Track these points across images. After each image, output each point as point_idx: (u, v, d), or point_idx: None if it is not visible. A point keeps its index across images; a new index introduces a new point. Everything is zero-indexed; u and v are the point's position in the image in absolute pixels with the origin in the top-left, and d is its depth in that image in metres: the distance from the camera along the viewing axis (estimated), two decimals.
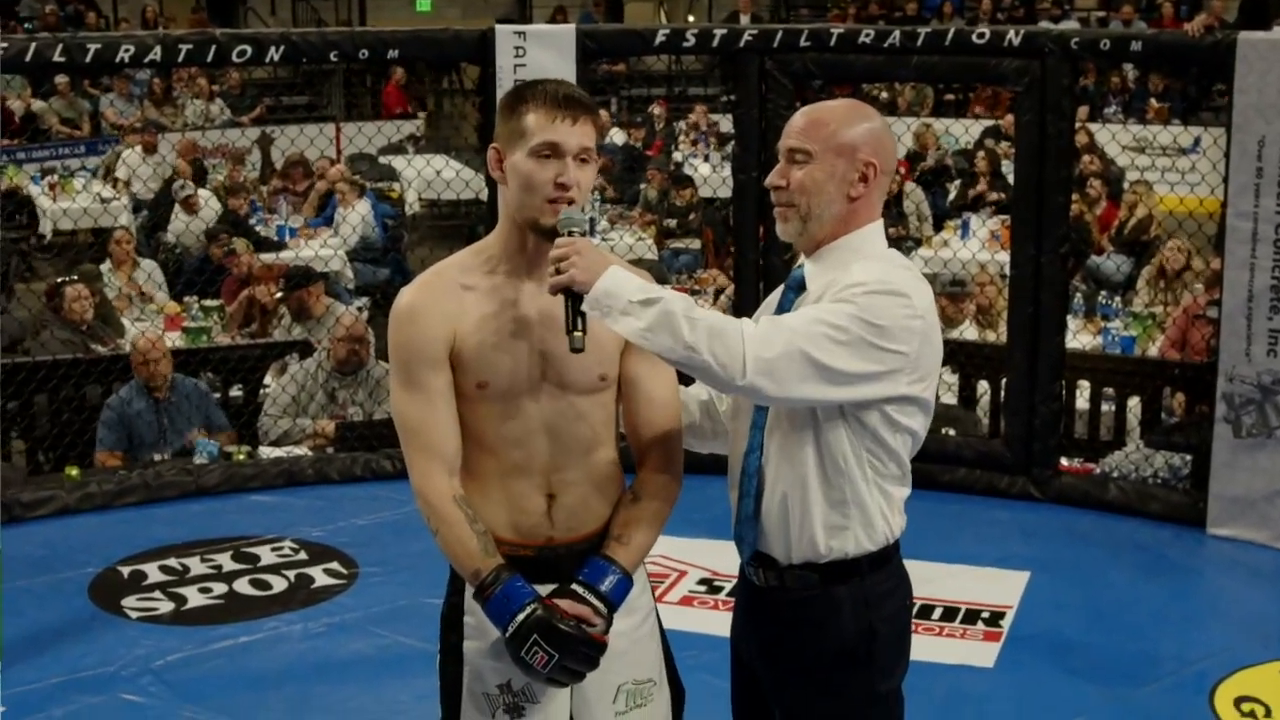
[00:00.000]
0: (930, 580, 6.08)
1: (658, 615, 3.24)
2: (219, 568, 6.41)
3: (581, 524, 3.08)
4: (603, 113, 16.73)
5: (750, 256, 7.31)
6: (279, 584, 6.26)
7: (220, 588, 6.21)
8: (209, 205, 12.30)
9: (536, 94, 2.99)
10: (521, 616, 2.91)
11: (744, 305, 7.13)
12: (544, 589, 2.99)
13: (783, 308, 3.09)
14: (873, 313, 2.89)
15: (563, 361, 3.00)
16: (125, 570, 6.37)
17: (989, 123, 16.13)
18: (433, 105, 19.11)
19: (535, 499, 3.05)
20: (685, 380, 3.06)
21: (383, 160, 15.64)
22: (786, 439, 3.02)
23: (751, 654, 3.21)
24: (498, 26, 7.28)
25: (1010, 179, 9.40)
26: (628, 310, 2.82)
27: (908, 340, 2.93)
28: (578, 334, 2.86)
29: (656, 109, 17.82)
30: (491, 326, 3.01)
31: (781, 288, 3.19)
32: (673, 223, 13.01)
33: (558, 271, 2.84)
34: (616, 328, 2.84)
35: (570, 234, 2.90)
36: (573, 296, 2.85)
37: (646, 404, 3.13)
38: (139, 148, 14.64)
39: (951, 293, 8.76)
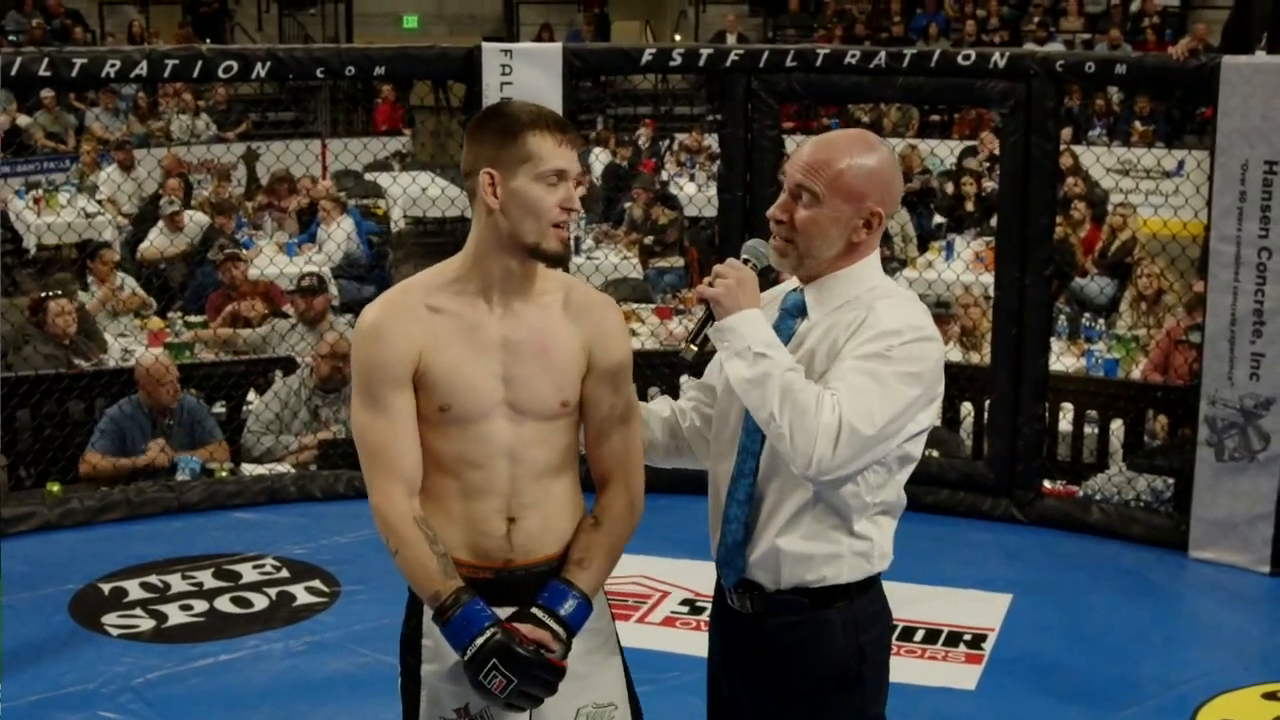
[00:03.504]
0: (912, 602, 6.07)
1: (618, 639, 3.24)
2: (200, 585, 6.39)
3: (541, 547, 3.08)
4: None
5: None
6: (260, 602, 6.24)
7: (201, 605, 6.19)
8: (193, 222, 12.26)
9: (534, 120, 2.98)
10: (480, 640, 2.91)
11: None
12: (502, 612, 2.99)
13: (780, 333, 3.06)
14: (911, 363, 2.93)
15: (525, 387, 3.01)
16: (106, 587, 6.35)
17: (971, 143, 16.17)
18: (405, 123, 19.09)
19: (495, 522, 3.05)
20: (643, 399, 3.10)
21: (368, 177, 15.63)
22: (785, 468, 3.00)
23: (735, 687, 3.19)
24: (484, 45, 7.29)
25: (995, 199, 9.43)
26: (742, 354, 2.91)
27: (931, 378, 2.98)
28: (692, 347, 3.00)
29: (643, 130, 17.83)
30: (456, 350, 3.01)
31: (774, 305, 3.16)
32: (650, 240, 13.00)
33: (712, 284, 2.95)
34: (725, 364, 2.94)
35: (746, 261, 3.02)
36: (709, 313, 2.95)
37: (608, 430, 3.14)
38: (118, 164, 14.63)
39: (936, 314, 8.73)
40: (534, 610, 3.00)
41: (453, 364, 3.00)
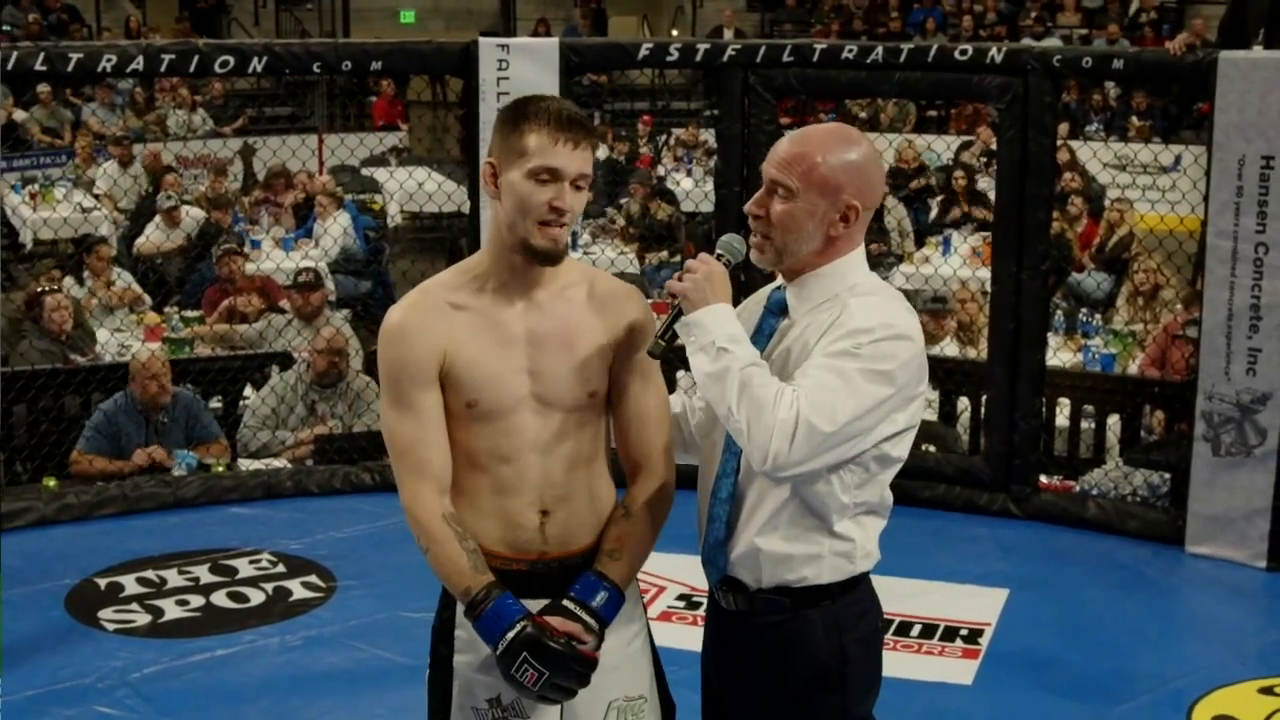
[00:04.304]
0: (909, 597, 6.09)
1: (649, 631, 3.24)
2: (196, 580, 6.39)
3: (574, 539, 3.08)
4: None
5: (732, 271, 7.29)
6: (256, 597, 6.24)
7: (197, 600, 6.19)
8: (189, 217, 12.24)
9: (539, 114, 2.96)
10: (511, 634, 2.92)
11: None
12: (536, 603, 3.00)
13: (762, 331, 3.08)
14: (880, 361, 2.89)
15: (551, 379, 3.02)
16: (102, 582, 6.35)
17: (968, 138, 16.17)
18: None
19: (528, 515, 3.05)
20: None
21: (365, 172, 15.62)
22: None
23: (723, 682, 3.19)
24: (481, 39, 7.28)
25: (990, 195, 9.43)
26: (705, 349, 2.90)
27: (904, 377, 2.93)
28: (660, 341, 2.98)
29: (640, 125, 17.83)
30: (480, 346, 3.01)
31: (758, 304, 3.17)
32: (637, 234, 13.00)
33: (681, 278, 2.95)
34: (690, 358, 2.92)
35: (720, 256, 3.02)
36: (679, 307, 2.95)
37: (637, 419, 3.14)
38: (116, 160, 14.63)
39: (933, 309, 8.76)
40: (565, 602, 3.00)
41: (478, 360, 3.00)
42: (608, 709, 3.10)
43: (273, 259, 11.24)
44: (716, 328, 2.90)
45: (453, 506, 3.03)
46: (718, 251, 3.04)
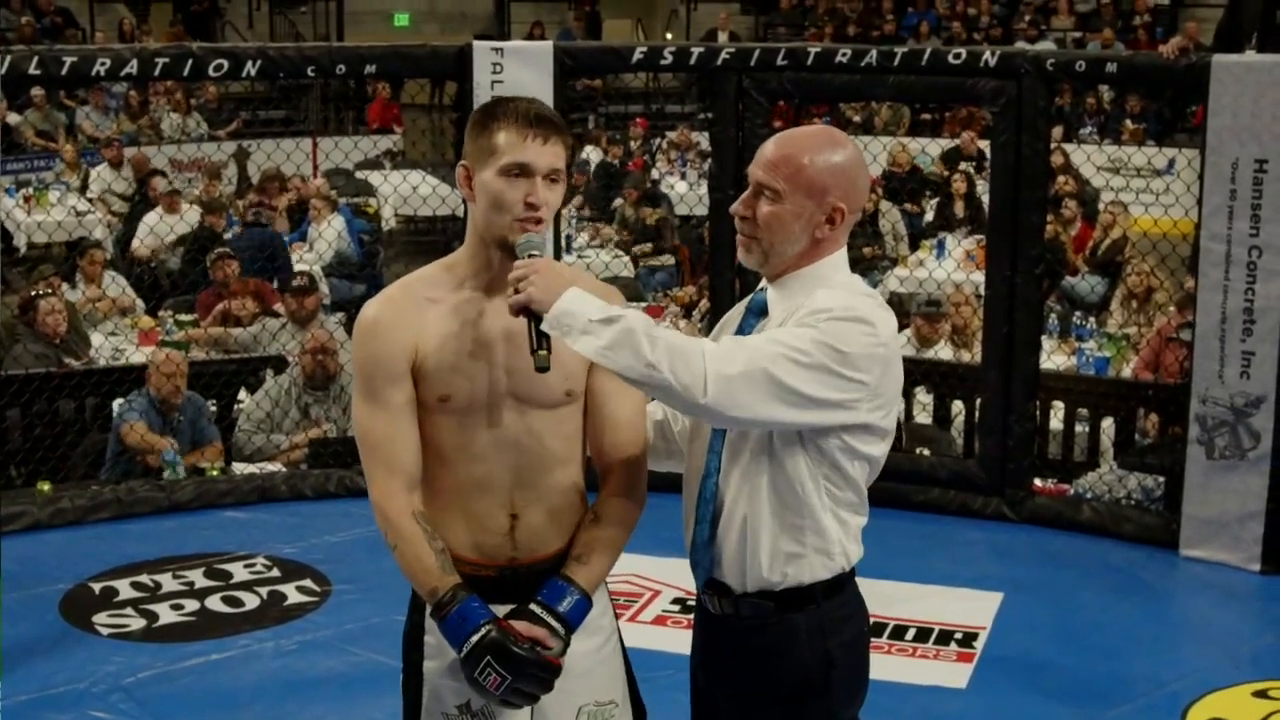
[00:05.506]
0: (903, 601, 6.09)
1: (620, 636, 3.23)
2: (191, 584, 6.38)
3: (544, 544, 3.07)
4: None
5: (725, 275, 7.31)
6: (251, 601, 6.24)
7: (192, 604, 6.19)
8: (191, 211, 12.22)
9: (507, 112, 2.98)
10: (476, 638, 2.90)
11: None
12: (504, 608, 2.98)
13: (742, 331, 3.08)
14: (837, 339, 2.86)
15: (527, 378, 2.99)
16: (97, 586, 6.34)
17: (954, 142, 16.19)
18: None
19: (498, 519, 3.04)
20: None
21: (359, 175, 15.62)
22: (744, 465, 2.99)
23: (710, 683, 3.18)
24: (475, 43, 7.28)
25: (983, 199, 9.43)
26: (587, 329, 2.80)
27: (869, 368, 2.90)
28: (542, 354, 2.85)
29: (634, 129, 17.84)
30: (455, 340, 3.00)
31: (742, 309, 3.17)
32: (648, 247, 12.99)
33: (516, 292, 2.82)
34: (576, 346, 2.82)
35: (530, 256, 2.90)
36: (534, 316, 2.83)
37: (611, 424, 3.12)
38: (108, 162, 14.63)
39: (927, 313, 8.77)
40: (532, 607, 2.98)
41: (452, 355, 3.00)
42: (578, 714, 3.09)
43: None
44: (585, 309, 2.81)
45: (422, 506, 3.02)
46: (526, 254, 2.91)
